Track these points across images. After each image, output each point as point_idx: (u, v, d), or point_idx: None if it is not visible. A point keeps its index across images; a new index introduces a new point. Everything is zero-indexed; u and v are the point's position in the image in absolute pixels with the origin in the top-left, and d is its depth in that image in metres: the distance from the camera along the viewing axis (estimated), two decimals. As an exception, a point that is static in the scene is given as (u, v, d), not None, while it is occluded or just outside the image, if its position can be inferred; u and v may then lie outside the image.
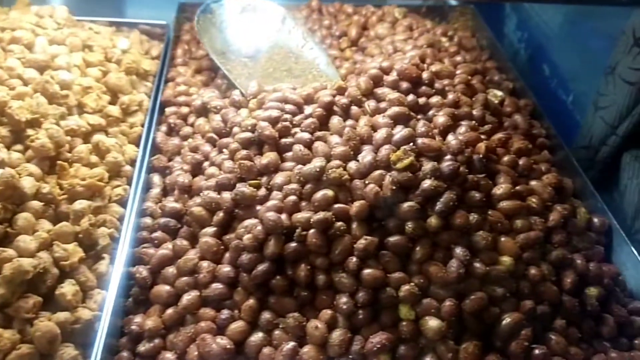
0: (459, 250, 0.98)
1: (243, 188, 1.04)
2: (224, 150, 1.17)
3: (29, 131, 1.09)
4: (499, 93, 1.43)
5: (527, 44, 1.90)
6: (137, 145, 1.24)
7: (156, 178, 1.20)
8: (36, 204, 0.98)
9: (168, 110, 1.35)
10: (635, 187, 1.31)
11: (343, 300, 0.95)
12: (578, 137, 1.53)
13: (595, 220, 1.16)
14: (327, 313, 0.95)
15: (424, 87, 1.25)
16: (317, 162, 1.04)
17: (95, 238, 1.00)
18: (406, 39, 1.51)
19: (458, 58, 1.49)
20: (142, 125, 1.29)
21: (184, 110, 1.34)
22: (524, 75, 1.82)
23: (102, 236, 1.01)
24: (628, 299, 1.07)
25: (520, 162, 1.17)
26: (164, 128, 1.32)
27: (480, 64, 1.58)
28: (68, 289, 0.91)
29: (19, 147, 1.08)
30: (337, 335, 0.93)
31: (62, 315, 0.89)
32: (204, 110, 1.31)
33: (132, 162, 1.20)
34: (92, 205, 1.03)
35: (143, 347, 0.93)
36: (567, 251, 1.06)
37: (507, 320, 0.96)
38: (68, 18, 1.41)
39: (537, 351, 0.94)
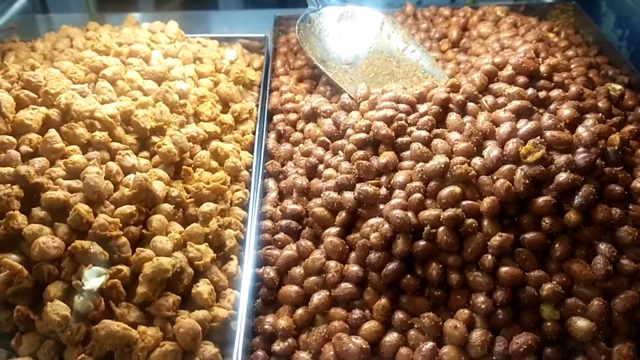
0: (604, 247, 0.92)
1: (366, 187, 1.03)
2: (339, 152, 1.16)
3: (154, 138, 1.12)
4: (618, 87, 1.35)
5: (628, 41, 1.81)
6: (251, 152, 1.25)
7: (271, 183, 1.21)
8: (167, 207, 1.01)
9: (276, 117, 1.37)
10: None
11: (480, 299, 0.91)
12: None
13: None
14: (464, 313, 0.91)
15: (542, 81, 1.21)
16: (440, 159, 1.01)
17: (223, 239, 1.01)
18: (513, 35, 1.46)
19: (570, 52, 1.43)
20: (253, 133, 1.31)
21: (292, 116, 1.35)
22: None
23: (229, 238, 1.02)
24: None
25: (657, 154, 1.09)
26: (273, 135, 1.33)
27: (592, 59, 1.51)
28: (203, 288, 0.92)
29: (145, 153, 1.12)
30: (477, 335, 0.89)
31: (201, 314, 0.89)
32: (312, 116, 1.31)
33: (247, 168, 1.21)
34: (217, 207, 1.05)
35: (277, 347, 0.93)
36: None
37: (663, 320, 0.88)
38: (178, 33, 1.46)
39: (702, 354, 0.86)
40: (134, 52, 1.31)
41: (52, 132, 1.02)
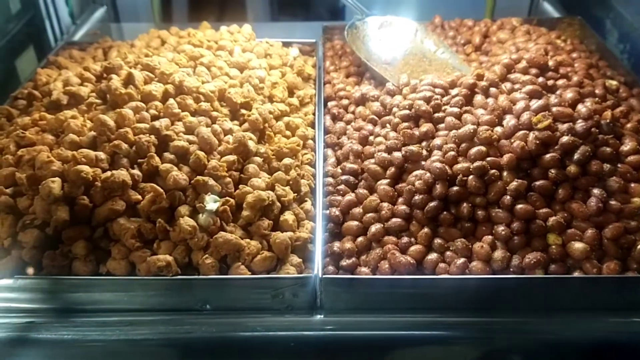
0: (596, 191, 1.20)
1: (411, 147, 1.32)
2: (387, 125, 1.46)
3: (242, 111, 1.43)
4: (614, 82, 1.62)
5: (629, 54, 2.08)
6: (313, 128, 1.55)
7: (330, 152, 1.50)
8: (257, 159, 1.30)
9: (330, 103, 1.67)
10: None
11: (501, 228, 1.19)
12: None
13: None
14: (488, 238, 1.19)
15: (550, 73, 1.50)
16: (470, 126, 1.30)
17: (300, 185, 1.30)
18: (526, 40, 1.76)
19: (574, 55, 1.71)
20: (313, 114, 1.61)
21: (344, 102, 1.65)
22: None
23: (303, 185, 1.31)
24: None
25: (642, 129, 1.37)
26: (328, 117, 1.63)
27: (593, 61, 1.80)
28: (289, 216, 1.21)
29: (235, 122, 1.42)
30: (499, 253, 1.16)
31: (288, 234, 1.18)
32: (362, 100, 1.61)
33: (312, 139, 1.51)
34: (294, 163, 1.34)
35: (344, 263, 1.21)
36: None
37: (642, 245, 1.15)
38: (251, 34, 1.78)
39: (670, 269, 1.13)
40: (221, 46, 1.63)
41: (171, 101, 1.33)
